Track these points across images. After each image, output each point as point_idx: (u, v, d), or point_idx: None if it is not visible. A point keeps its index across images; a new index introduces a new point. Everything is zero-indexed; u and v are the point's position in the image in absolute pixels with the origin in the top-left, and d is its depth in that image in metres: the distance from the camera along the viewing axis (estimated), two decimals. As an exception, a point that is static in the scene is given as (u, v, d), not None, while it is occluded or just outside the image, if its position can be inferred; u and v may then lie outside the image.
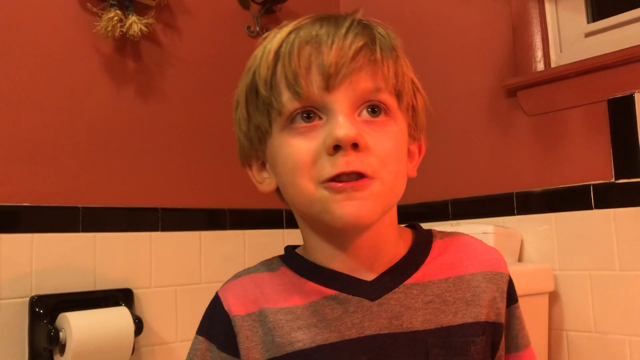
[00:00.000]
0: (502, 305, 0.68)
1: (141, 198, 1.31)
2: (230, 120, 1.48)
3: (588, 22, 1.29)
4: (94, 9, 1.24)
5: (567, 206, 1.25)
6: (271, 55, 0.62)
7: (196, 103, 1.42)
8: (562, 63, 1.29)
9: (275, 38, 0.63)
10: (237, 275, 0.70)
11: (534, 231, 1.30)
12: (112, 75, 1.29)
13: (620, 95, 1.18)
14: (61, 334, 1.07)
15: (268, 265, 0.70)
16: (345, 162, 0.58)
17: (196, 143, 1.41)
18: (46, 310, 1.11)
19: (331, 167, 0.58)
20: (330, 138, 0.58)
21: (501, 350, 0.69)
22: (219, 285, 1.46)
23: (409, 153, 0.68)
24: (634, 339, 1.13)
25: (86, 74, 1.25)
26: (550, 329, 1.24)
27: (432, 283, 0.66)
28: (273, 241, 1.51)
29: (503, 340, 0.69)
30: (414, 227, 0.72)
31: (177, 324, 1.32)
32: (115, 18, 1.23)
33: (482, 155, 1.41)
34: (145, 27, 1.28)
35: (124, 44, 1.31)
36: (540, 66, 1.31)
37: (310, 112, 0.61)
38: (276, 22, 1.60)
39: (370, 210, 0.60)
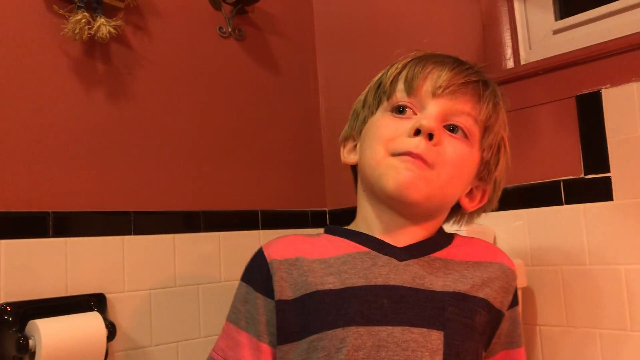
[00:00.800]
0: (508, 297, 0.79)
1: (113, 202, 1.29)
2: (202, 121, 1.49)
3: (556, 20, 1.30)
4: (61, 11, 1.23)
5: (538, 202, 1.26)
6: (402, 63, 0.78)
7: (168, 105, 1.41)
8: (531, 60, 1.30)
9: (409, 56, 0.79)
10: (280, 236, 0.82)
11: (507, 227, 1.31)
12: (81, 78, 1.28)
13: (588, 92, 1.20)
14: (31, 342, 1.06)
15: (309, 234, 0.82)
16: (416, 145, 0.71)
17: (168, 145, 1.40)
18: (15, 318, 1.09)
19: (405, 145, 0.71)
20: (417, 122, 0.71)
21: (497, 339, 0.78)
22: (194, 288, 1.46)
23: (471, 193, 0.81)
24: (605, 331, 1.14)
25: (54, 77, 1.24)
26: (523, 324, 1.25)
27: (453, 261, 0.77)
28: (249, 242, 1.50)
29: (500, 331, 0.78)
30: (439, 230, 0.82)
31: (152, 328, 1.31)
32: (83, 20, 1.22)
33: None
34: (114, 29, 1.26)
35: (93, 46, 1.29)
36: (510, 64, 1.32)
37: (408, 108, 0.75)
38: (248, 23, 1.60)
39: (418, 186, 0.70)
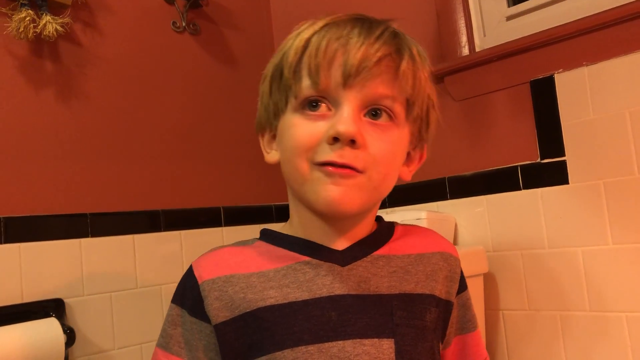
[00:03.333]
0: (454, 285, 0.76)
1: (68, 204, 1.26)
2: (159, 118, 1.45)
3: (509, 6, 1.31)
4: (3, 9, 1.19)
5: (497, 188, 1.27)
6: (302, 43, 0.68)
7: (122, 103, 1.38)
8: (485, 47, 1.31)
9: (309, 28, 0.69)
10: (211, 250, 0.75)
11: (468, 214, 1.31)
12: (29, 78, 1.24)
13: (541, 77, 1.21)
14: (-15, 352, 1.03)
15: (242, 242, 0.76)
16: (339, 155, 0.64)
17: (124, 144, 1.37)
18: (-32, 328, 1.06)
19: (327, 155, 0.64)
20: (332, 130, 0.64)
21: (450, 328, 0.76)
22: (157, 288, 1.43)
23: (409, 158, 0.75)
24: (564, 313, 1.16)
25: (0, 77, 1.20)
26: (486, 309, 1.26)
27: (396, 257, 0.73)
28: (211, 240, 1.49)
29: (452, 319, 0.76)
30: (378, 220, 0.78)
31: (114, 331, 1.28)
32: (28, 18, 1.18)
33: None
34: (62, 27, 1.23)
35: (40, 45, 1.26)
36: (465, 51, 1.32)
37: (322, 102, 0.67)
38: (203, 17, 1.57)
39: (352, 198, 0.65)
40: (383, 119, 0.67)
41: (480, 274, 1.23)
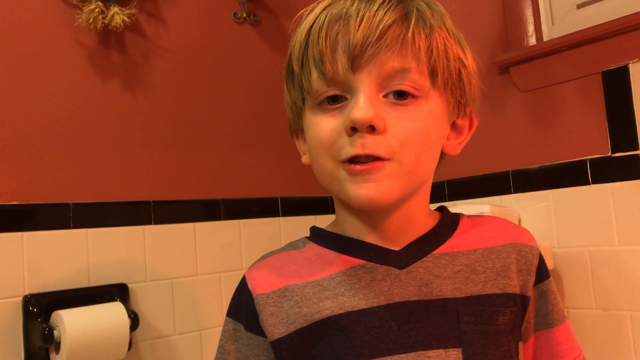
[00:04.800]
0: (531, 279, 0.68)
1: (132, 192, 1.29)
2: (219, 108, 1.46)
3: (580, -7, 1.26)
4: (74, 1, 1.22)
5: (564, 182, 1.23)
6: (303, 34, 0.64)
7: (184, 92, 1.40)
8: (554, 36, 1.26)
9: (310, 15, 0.64)
10: (263, 257, 0.71)
11: (532, 209, 1.28)
12: (96, 68, 1.27)
13: (615, 67, 1.16)
14: (55, 332, 1.06)
15: (293, 245, 0.71)
16: (361, 145, 0.58)
17: (186, 133, 1.39)
18: (40, 309, 1.10)
19: (349, 148, 0.59)
20: (347, 119, 0.59)
21: (527, 324, 0.68)
22: (216, 276, 1.45)
23: (457, 128, 0.68)
24: (635, 314, 1.11)
25: (70, 67, 1.23)
26: (550, 307, 1.22)
27: (460, 253, 0.66)
28: (269, 230, 1.50)
29: (529, 313, 0.69)
30: (442, 210, 0.71)
31: (174, 317, 1.31)
32: (97, 10, 1.21)
33: (477, 134, 1.36)
34: (128, 17, 1.25)
35: (107, 36, 1.29)
36: (532, 40, 1.28)
37: (336, 92, 0.62)
38: (263, 8, 1.58)
39: (386, 191, 0.59)
40: (403, 94, 0.60)
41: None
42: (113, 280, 1.23)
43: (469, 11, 1.40)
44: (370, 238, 0.66)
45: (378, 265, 0.64)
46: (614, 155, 1.15)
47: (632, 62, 1.13)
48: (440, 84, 0.62)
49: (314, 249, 0.69)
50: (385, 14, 0.59)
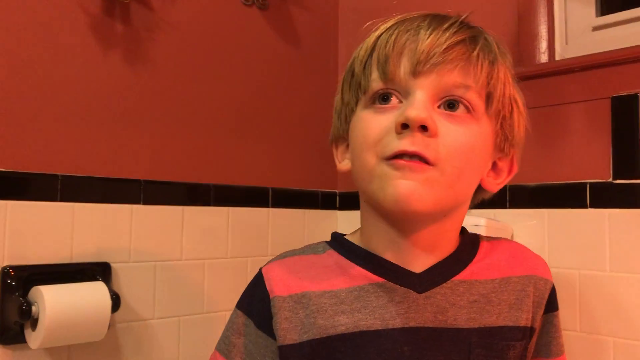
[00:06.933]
0: (540, 311, 0.69)
1: (123, 169, 1.25)
2: (219, 91, 1.42)
3: (597, 16, 1.25)
4: (83, -35, 1.17)
5: (561, 203, 1.23)
6: (372, 40, 0.65)
7: (186, 72, 1.35)
8: (567, 56, 1.26)
9: (380, 27, 0.66)
10: (282, 256, 0.70)
11: (525, 225, 1.28)
12: (99, 38, 1.22)
13: (625, 94, 1.16)
14: (33, 308, 1.02)
15: (313, 248, 0.71)
16: (409, 142, 0.59)
17: (184, 114, 1.35)
18: (19, 282, 1.06)
19: (395, 144, 0.59)
20: (401, 116, 0.59)
21: (528, 352, 0.70)
22: (200, 262, 1.42)
23: (497, 168, 0.69)
24: (619, 340, 1.12)
25: (70, 33, 1.18)
26: (535, 325, 1.23)
27: (478, 282, 0.66)
28: (258, 219, 1.47)
29: (532, 341, 0.69)
30: (461, 231, 0.72)
31: (155, 301, 1.27)
32: (105, -24, 1.16)
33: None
34: (136, -12, 1.21)
35: (113, 4, 1.23)
36: (544, 58, 1.28)
37: (392, 95, 0.62)
38: (273, -8, 1.53)
39: (422, 195, 0.59)
40: (460, 110, 0.62)
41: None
42: (95, 258, 1.19)
43: (483, 21, 1.38)
44: (392, 255, 0.65)
45: (397, 286, 0.64)
46: (614, 181, 1.16)
47: (643, 92, 1.13)
48: (494, 112, 0.64)
49: (334, 257, 0.68)
50: (454, 33, 0.62)
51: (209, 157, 1.39)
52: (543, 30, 1.28)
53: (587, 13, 1.26)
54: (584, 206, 1.19)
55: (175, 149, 1.33)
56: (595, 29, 1.24)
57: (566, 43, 1.28)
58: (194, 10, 1.37)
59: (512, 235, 1.29)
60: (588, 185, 1.19)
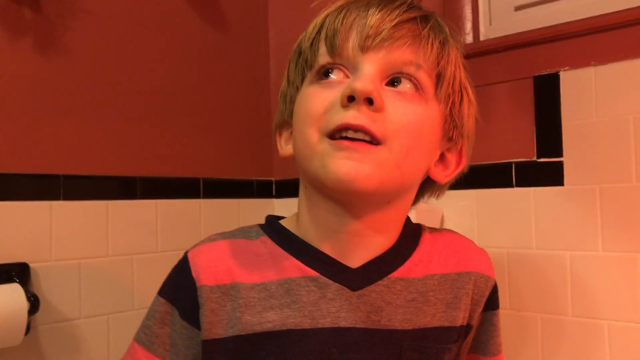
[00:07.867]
0: (478, 308, 0.68)
1: (41, 163, 1.19)
2: (141, 79, 1.36)
3: (519, -4, 1.26)
4: (-18, -52, 1.09)
5: (488, 183, 1.24)
6: (321, 18, 0.63)
7: (104, 60, 1.29)
8: (490, 36, 1.26)
9: (328, 8, 0.64)
10: (211, 239, 0.66)
11: (455, 207, 1.28)
12: (6, 25, 1.15)
13: (546, 73, 1.17)
14: (-59, 316, 0.96)
15: (246, 232, 0.66)
16: (354, 115, 0.56)
17: (104, 104, 1.29)
18: None
19: (339, 116, 0.56)
20: (347, 88, 0.56)
21: (463, 348, 0.68)
22: (128, 257, 1.36)
23: (445, 160, 0.66)
24: (546, 316, 1.15)
25: (-26, 22, 1.11)
26: (466, 305, 1.24)
27: (416, 280, 0.64)
28: (189, 211, 1.43)
29: (468, 338, 0.68)
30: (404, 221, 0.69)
31: (80, 300, 1.22)
32: (8, -40, 1.09)
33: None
34: (44, -28, 1.14)
35: (20, -10, 1.16)
36: (469, 39, 1.28)
37: (340, 69, 0.60)
38: (196, -24, 1.48)
39: (367, 175, 0.56)
40: (408, 88, 0.59)
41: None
42: (13, 259, 1.13)
43: None
44: (330, 247, 0.62)
45: (331, 282, 0.61)
46: (538, 160, 1.17)
47: (563, 70, 1.15)
48: (443, 95, 0.61)
49: (268, 245, 0.64)
50: (405, 11, 0.60)
51: (133, 149, 1.34)
52: (467, 11, 1.29)
53: (510, -7, 1.27)
54: (510, 185, 1.21)
55: (97, 140, 1.27)
56: (518, 8, 1.25)
57: (490, 23, 1.29)
58: (110, -5, 1.31)
59: (442, 217, 1.29)
60: (513, 165, 1.20)
